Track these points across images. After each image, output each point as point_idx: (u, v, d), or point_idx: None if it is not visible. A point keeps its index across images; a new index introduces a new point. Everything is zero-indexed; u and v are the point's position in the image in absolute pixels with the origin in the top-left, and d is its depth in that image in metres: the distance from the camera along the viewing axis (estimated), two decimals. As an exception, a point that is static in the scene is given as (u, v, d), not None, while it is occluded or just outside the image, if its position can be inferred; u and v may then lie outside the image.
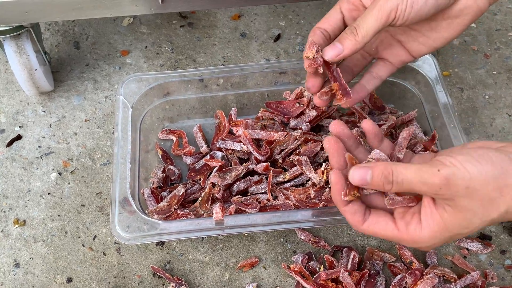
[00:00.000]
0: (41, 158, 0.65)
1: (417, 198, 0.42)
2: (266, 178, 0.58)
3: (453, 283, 0.54)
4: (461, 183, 0.37)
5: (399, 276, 0.54)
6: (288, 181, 0.58)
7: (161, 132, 0.65)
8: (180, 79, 0.63)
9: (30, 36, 0.63)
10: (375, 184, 0.40)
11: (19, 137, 0.67)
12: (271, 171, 0.57)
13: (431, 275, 0.52)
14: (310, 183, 0.58)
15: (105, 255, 0.58)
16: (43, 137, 0.67)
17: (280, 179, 0.58)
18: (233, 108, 0.66)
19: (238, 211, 0.55)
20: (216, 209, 0.51)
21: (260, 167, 0.57)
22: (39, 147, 0.66)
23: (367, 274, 0.53)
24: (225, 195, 0.57)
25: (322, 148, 0.59)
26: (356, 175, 0.41)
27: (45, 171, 0.64)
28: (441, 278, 0.55)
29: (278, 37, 0.78)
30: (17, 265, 0.57)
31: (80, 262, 0.57)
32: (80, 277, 0.56)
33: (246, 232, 0.54)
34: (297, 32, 0.79)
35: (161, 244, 0.59)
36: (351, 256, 0.55)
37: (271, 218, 0.51)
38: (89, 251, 0.58)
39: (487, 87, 0.73)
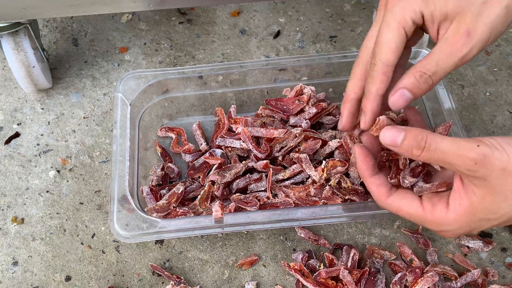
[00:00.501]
0: (40, 155, 0.65)
1: (447, 184, 0.43)
2: (266, 176, 0.58)
3: (453, 281, 0.54)
4: (498, 163, 0.36)
5: (399, 274, 0.53)
6: (288, 179, 0.58)
7: (160, 130, 0.65)
8: (179, 76, 0.63)
9: (28, 33, 0.62)
10: (405, 147, 0.39)
11: (17, 135, 0.67)
12: (270, 168, 0.57)
13: (431, 273, 0.52)
14: (310, 180, 0.57)
15: (104, 253, 0.58)
16: (42, 135, 0.67)
17: (280, 176, 0.58)
18: (232, 106, 0.66)
19: (238, 209, 0.54)
20: (216, 207, 0.51)
21: (259, 164, 0.57)
22: (38, 144, 0.66)
23: (367, 272, 0.53)
24: (225, 193, 0.57)
25: (322, 146, 0.58)
26: (388, 135, 0.40)
27: (44, 169, 0.64)
28: (442, 276, 0.54)
29: (277, 34, 0.77)
30: (15, 263, 0.57)
31: (78, 260, 0.57)
32: (78, 275, 0.56)
33: (246, 230, 0.54)
34: (297, 28, 0.78)
35: (160, 242, 0.58)
36: (351, 254, 0.54)
37: (271, 216, 0.51)
38: (88, 249, 0.58)
39: (487, 84, 0.72)
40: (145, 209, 0.54)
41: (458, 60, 0.41)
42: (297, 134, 0.58)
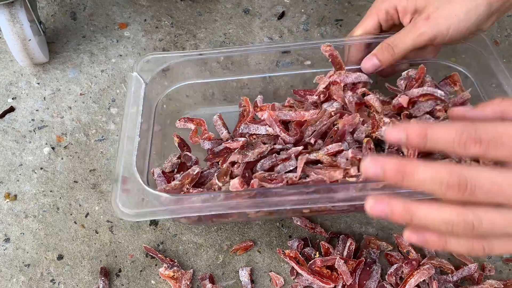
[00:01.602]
0: (34, 131, 0.64)
1: None
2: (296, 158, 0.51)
3: (450, 275, 0.53)
4: None
5: (395, 266, 0.53)
6: (320, 163, 0.51)
7: (179, 120, 0.60)
8: (198, 57, 0.59)
9: (24, 5, 0.61)
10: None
11: (11, 109, 0.65)
12: (302, 147, 0.51)
13: (428, 265, 0.51)
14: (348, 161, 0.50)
15: (97, 233, 0.57)
16: (37, 110, 0.65)
17: (312, 157, 0.50)
18: (259, 96, 0.60)
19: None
20: (235, 182, 0.45)
21: (294, 151, 0.50)
22: (32, 120, 0.64)
23: (363, 262, 0.52)
24: (246, 174, 0.49)
25: (363, 122, 0.52)
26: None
27: (38, 145, 0.62)
28: (438, 269, 0.54)
29: (282, 15, 0.75)
30: (7, 240, 0.56)
31: (71, 239, 0.56)
32: (71, 254, 0.55)
33: (273, 210, 0.47)
34: (302, 10, 0.76)
35: (154, 224, 0.58)
36: (348, 244, 0.54)
37: (306, 195, 0.43)
38: (81, 229, 0.57)
39: (495, 76, 0.71)
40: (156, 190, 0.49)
41: (416, 37, 0.50)
42: (332, 113, 0.52)
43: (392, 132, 0.34)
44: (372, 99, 0.53)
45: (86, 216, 0.58)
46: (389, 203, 0.34)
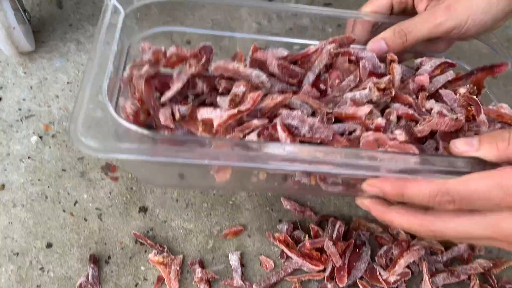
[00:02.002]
0: (21, 121, 0.63)
1: None
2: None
3: (439, 255, 0.53)
4: None
5: (385, 247, 0.53)
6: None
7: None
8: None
9: (8, -8, 0.60)
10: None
11: (-2, 99, 0.65)
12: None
13: (417, 247, 0.51)
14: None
15: (86, 221, 0.56)
16: (24, 100, 0.65)
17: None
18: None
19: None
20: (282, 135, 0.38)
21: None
22: (19, 109, 0.64)
23: (352, 244, 0.52)
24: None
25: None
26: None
27: (25, 134, 0.62)
28: (428, 250, 0.54)
29: (270, 0, 0.74)
30: (-5, 229, 0.56)
31: (60, 227, 0.56)
32: (60, 242, 0.55)
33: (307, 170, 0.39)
34: (290, -5, 0.76)
35: (144, 210, 0.57)
36: (337, 226, 0.54)
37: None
38: (69, 217, 0.57)
39: (485, 58, 0.70)
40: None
41: (432, 27, 0.47)
42: (331, 50, 0.46)
43: (369, 188, 0.37)
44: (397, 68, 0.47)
45: (74, 204, 0.57)
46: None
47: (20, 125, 0.63)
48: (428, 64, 0.49)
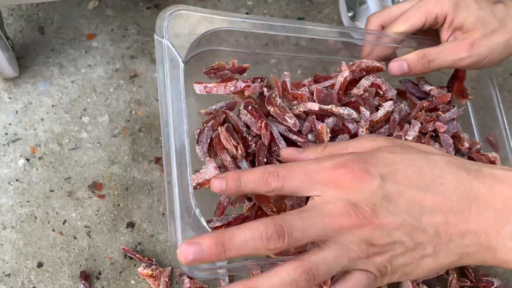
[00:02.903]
0: (8, 145, 0.65)
1: None
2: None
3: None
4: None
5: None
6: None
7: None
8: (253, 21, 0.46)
9: (-10, 21, 0.62)
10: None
11: (-16, 125, 0.66)
12: None
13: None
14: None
15: (76, 239, 0.58)
16: (10, 124, 0.66)
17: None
18: (285, 73, 0.50)
19: None
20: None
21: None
22: (6, 134, 0.65)
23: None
24: None
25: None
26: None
27: (13, 158, 0.63)
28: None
29: (245, 17, 0.77)
30: (-14, 252, 0.57)
31: (50, 246, 0.57)
32: (50, 261, 0.56)
33: None
34: (265, 11, 0.78)
35: (131, 226, 0.59)
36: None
37: None
38: (59, 236, 0.58)
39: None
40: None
41: (456, 60, 0.50)
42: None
43: (214, 183, 0.38)
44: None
45: (63, 223, 0.59)
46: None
47: (7, 149, 0.64)
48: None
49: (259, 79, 0.48)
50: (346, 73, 0.51)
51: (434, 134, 0.55)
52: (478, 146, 0.58)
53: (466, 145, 0.56)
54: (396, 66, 0.51)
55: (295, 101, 0.49)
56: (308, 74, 0.54)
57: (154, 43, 0.76)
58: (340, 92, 0.51)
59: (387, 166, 0.34)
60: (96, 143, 0.65)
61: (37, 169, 0.63)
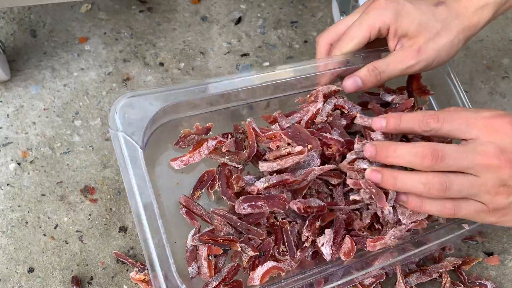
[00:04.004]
0: (-1, 149, 0.64)
1: None
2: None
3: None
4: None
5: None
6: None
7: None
8: (199, 97, 0.48)
9: (-19, 24, 0.61)
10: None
11: (-25, 129, 0.65)
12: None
13: (391, 250, 0.53)
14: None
15: (67, 243, 0.57)
16: (1, 128, 0.66)
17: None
18: (250, 119, 0.52)
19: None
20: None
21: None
22: (-3, 138, 0.65)
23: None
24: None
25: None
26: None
27: (3, 162, 0.63)
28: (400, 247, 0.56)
29: (239, 20, 0.77)
30: (-24, 257, 0.56)
31: (41, 251, 0.57)
32: (42, 266, 0.56)
33: None
34: (258, 14, 0.78)
35: (124, 230, 0.59)
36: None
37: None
38: (50, 241, 0.57)
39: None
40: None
41: (405, 68, 0.52)
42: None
43: (376, 122, 0.48)
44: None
45: (55, 228, 0.58)
46: (381, 171, 0.45)
47: (-2, 153, 0.64)
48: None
49: (228, 134, 0.51)
50: (319, 105, 0.53)
51: (404, 139, 0.56)
52: (449, 139, 0.58)
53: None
54: (350, 83, 0.53)
55: (270, 141, 0.51)
56: (273, 110, 0.55)
57: (147, 46, 0.76)
58: (309, 122, 0.53)
59: None
60: (89, 147, 0.64)
61: (29, 173, 0.62)
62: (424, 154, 0.42)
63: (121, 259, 0.56)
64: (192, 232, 0.47)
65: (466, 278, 0.56)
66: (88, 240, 0.58)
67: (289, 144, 0.50)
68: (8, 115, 0.67)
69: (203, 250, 0.46)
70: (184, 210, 0.49)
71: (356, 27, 0.52)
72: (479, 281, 0.56)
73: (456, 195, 0.43)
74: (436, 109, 0.63)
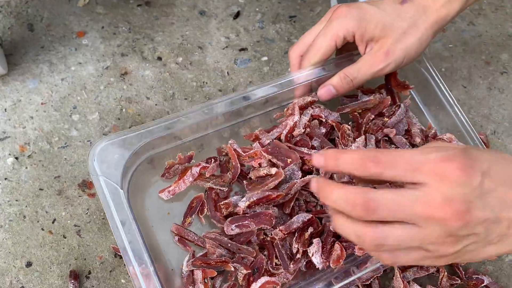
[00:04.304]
0: (-4, 143, 0.64)
1: None
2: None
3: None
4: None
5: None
6: None
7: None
8: (164, 134, 0.51)
9: (-22, 18, 0.61)
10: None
11: (-28, 123, 0.65)
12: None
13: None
14: None
15: (65, 238, 0.57)
16: (-2, 122, 0.65)
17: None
18: (231, 141, 0.54)
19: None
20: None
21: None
22: (-6, 132, 0.65)
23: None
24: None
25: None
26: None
27: (1, 156, 0.63)
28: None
29: (237, 15, 0.77)
30: (-26, 251, 0.56)
31: (39, 246, 0.57)
32: (40, 260, 0.56)
33: None
34: (257, 9, 0.78)
35: (122, 224, 0.58)
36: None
37: None
38: (48, 235, 0.57)
39: (443, 60, 0.74)
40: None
41: (376, 71, 0.52)
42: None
43: (314, 158, 0.39)
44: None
45: (53, 222, 0.58)
46: (333, 218, 0.38)
47: (-5, 147, 0.64)
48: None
49: (211, 159, 0.53)
50: (296, 117, 0.54)
51: (387, 138, 0.57)
52: (433, 131, 0.59)
53: (418, 140, 0.57)
54: (324, 91, 0.53)
55: (252, 159, 0.52)
56: (254, 128, 0.57)
57: (145, 40, 0.75)
58: (289, 135, 0.54)
59: (484, 162, 0.36)
60: (86, 141, 0.64)
61: (26, 168, 0.62)
62: (356, 203, 0.36)
63: (119, 254, 0.56)
64: (186, 258, 0.50)
65: (463, 273, 0.56)
66: (86, 235, 0.58)
67: (270, 161, 0.52)
68: (5, 110, 0.66)
69: (198, 274, 0.49)
70: (176, 238, 0.52)
71: (321, 38, 0.53)
72: (476, 276, 0.56)
73: (394, 248, 0.37)
74: (419, 102, 0.63)
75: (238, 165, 0.53)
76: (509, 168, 0.36)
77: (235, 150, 0.53)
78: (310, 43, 0.54)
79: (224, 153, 0.55)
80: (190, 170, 0.51)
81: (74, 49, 0.72)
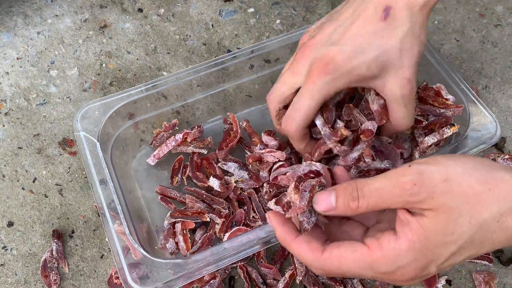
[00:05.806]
0: (-29, 100, 0.61)
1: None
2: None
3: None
4: (437, 176, 0.32)
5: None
6: None
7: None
8: (143, 95, 0.54)
9: None
10: (341, 206, 0.35)
11: None
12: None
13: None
14: None
15: (47, 197, 0.56)
16: (-28, 78, 0.63)
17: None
18: (244, 120, 0.57)
19: None
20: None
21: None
22: (-32, 88, 0.62)
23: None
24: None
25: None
26: (321, 200, 0.36)
27: (-23, 114, 0.60)
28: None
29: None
30: (-47, 212, 0.55)
31: (20, 205, 0.55)
32: (21, 220, 0.55)
33: None
34: (243, -43, 0.74)
35: (104, 183, 0.57)
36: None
37: None
38: (29, 194, 0.56)
39: (436, 12, 0.71)
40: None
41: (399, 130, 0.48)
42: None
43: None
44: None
45: (33, 181, 0.57)
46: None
47: (-30, 104, 0.61)
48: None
49: (196, 127, 0.56)
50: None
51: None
52: (424, 83, 0.55)
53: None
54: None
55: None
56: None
57: (124, -9, 0.71)
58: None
59: (444, 253, 0.34)
60: (66, 98, 0.62)
61: (4, 126, 0.60)
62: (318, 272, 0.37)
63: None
64: (168, 214, 0.52)
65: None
66: (68, 194, 0.56)
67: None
68: (-21, 65, 0.63)
69: (178, 227, 0.52)
70: (159, 197, 0.55)
71: (307, 98, 0.45)
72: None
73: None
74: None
75: (239, 130, 0.56)
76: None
77: (249, 126, 0.57)
78: (286, 96, 0.47)
79: (228, 122, 0.57)
80: (174, 136, 0.55)
81: (50, 1, 0.68)
